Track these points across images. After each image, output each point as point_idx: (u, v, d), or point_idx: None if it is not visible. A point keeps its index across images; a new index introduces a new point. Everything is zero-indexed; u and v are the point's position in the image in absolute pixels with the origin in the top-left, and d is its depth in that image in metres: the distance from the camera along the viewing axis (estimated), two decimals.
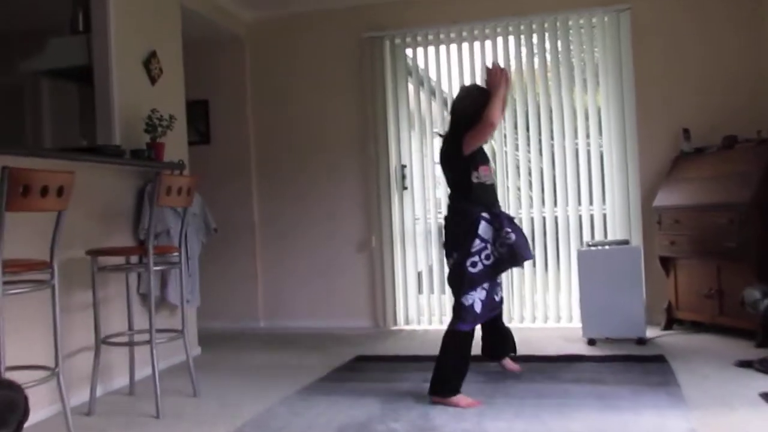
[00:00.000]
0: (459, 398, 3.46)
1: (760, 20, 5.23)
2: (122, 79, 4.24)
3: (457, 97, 3.79)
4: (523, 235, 3.66)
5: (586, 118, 5.62)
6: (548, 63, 5.68)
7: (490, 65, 3.71)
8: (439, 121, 5.91)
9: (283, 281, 6.20)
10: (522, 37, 5.71)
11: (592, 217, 5.59)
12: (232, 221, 6.11)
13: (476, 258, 3.53)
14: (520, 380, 3.90)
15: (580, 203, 5.61)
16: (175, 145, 4.64)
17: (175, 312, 4.51)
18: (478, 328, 3.73)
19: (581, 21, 5.62)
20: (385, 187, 5.94)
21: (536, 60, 5.77)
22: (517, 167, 5.79)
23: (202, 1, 5.41)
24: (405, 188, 5.96)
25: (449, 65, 5.86)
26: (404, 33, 5.90)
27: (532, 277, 5.76)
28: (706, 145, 5.11)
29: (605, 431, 3.00)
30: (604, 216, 5.57)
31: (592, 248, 4.86)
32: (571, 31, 5.63)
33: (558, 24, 5.62)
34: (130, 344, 3.80)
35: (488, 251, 3.54)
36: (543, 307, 5.70)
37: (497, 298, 3.75)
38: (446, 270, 3.78)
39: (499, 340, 4.08)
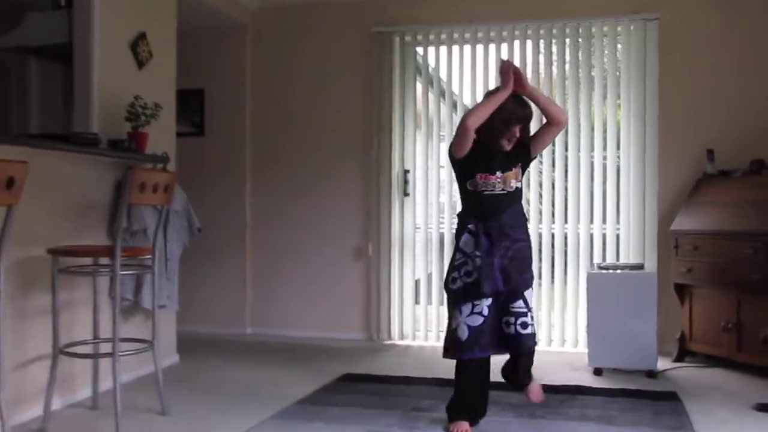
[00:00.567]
0: (454, 425, 3.28)
1: None
2: (105, 61, 3.91)
3: None
4: (493, 265, 3.19)
5: (604, 131, 5.33)
6: (567, 71, 5.38)
7: (504, 58, 3.39)
8: (447, 125, 5.61)
9: (274, 286, 5.90)
10: (541, 42, 5.39)
11: (604, 236, 5.31)
12: (223, 219, 5.84)
13: (456, 273, 3.25)
14: (521, 414, 3.58)
15: (592, 221, 5.32)
16: (162, 137, 4.33)
17: (150, 318, 4.18)
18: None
19: (605, 28, 5.33)
20: (385, 193, 5.64)
21: (555, 67, 5.46)
22: (528, 179, 5.48)
23: None
24: (407, 194, 5.66)
25: (461, 67, 5.57)
26: (416, 30, 5.60)
27: (537, 295, 5.45)
28: (731, 168, 4.81)
29: None
30: (618, 236, 5.28)
31: (603, 271, 4.57)
32: (593, 39, 5.33)
33: (580, 30, 5.31)
34: (93, 356, 3.47)
35: (469, 267, 3.21)
36: (548, 327, 5.40)
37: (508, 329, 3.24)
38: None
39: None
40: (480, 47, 5.51)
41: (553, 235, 5.41)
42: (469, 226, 3.26)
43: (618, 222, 5.28)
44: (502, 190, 3.24)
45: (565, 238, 5.38)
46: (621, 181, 5.27)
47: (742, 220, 4.43)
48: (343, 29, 5.77)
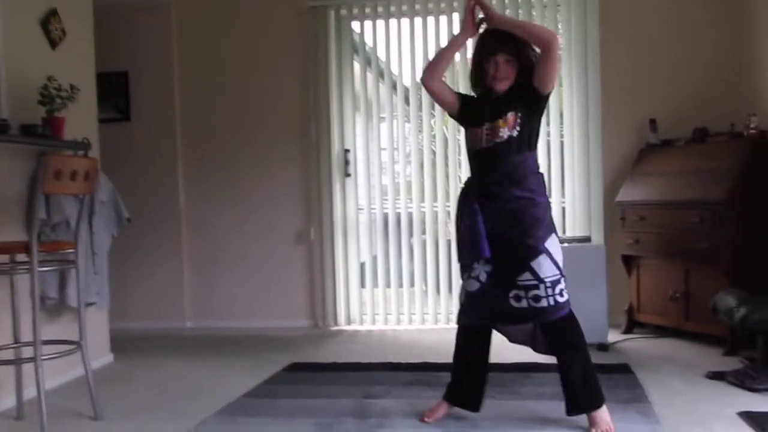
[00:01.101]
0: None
1: (737, 7, 4.92)
2: (12, 39, 3.57)
3: None
4: (474, 230, 2.91)
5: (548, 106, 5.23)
6: None
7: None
8: (387, 103, 5.44)
9: (213, 276, 5.66)
10: (481, 14, 5.23)
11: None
12: (155, 208, 5.58)
13: (457, 237, 3.02)
14: None
15: None
16: (82, 122, 4.03)
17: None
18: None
19: (545, 0, 5.22)
20: (326, 174, 5.46)
21: None
22: None
23: None
24: (348, 175, 5.49)
25: (400, 42, 5.38)
26: (351, 3, 5.39)
27: None
28: (674, 137, 4.79)
29: None
30: (564, 210, 5.24)
31: None
32: (534, 11, 5.22)
33: (519, 1, 5.19)
34: (14, 361, 3.18)
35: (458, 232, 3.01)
36: None
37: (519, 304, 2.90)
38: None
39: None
40: (418, 20, 5.36)
41: None
42: (464, 187, 3.03)
43: (563, 195, 5.23)
44: (490, 142, 2.90)
45: None
46: (565, 155, 5.22)
47: (688, 189, 4.41)
48: (276, 4, 5.53)
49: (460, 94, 3.12)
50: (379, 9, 5.39)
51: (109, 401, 3.45)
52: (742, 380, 3.48)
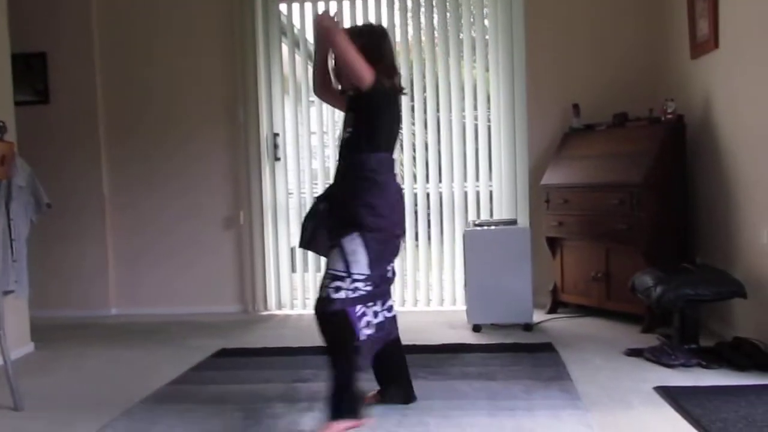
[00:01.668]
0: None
1: None
2: None
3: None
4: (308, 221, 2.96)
5: (475, 91, 5.30)
6: (435, 29, 5.30)
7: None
8: None
9: (139, 262, 5.54)
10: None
11: (478, 194, 5.34)
12: (77, 193, 5.44)
13: None
14: None
15: (466, 180, 5.32)
16: None
17: None
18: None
19: None
20: (255, 158, 5.40)
21: (423, 23, 5.34)
22: (400, 141, 5.40)
23: None
24: (277, 159, 5.44)
25: None
26: None
27: (414, 256, 5.43)
28: (596, 122, 4.91)
29: None
30: (491, 193, 5.32)
31: (478, 228, 4.57)
32: None
33: None
34: None
35: None
36: (426, 288, 5.38)
37: None
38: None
39: None
40: (347, 3, 5.34)
41: (428, 195, 5.39)
42: None
43: (491, 179, 5.31)
44: (340, 141, 2.99)
45: (441, 197, 5.36)
46: (492, 140, 5.29)
47: (608, 172, 4.54)
48: None
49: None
50: None
51: (30, 392, 3.35)
52: (658, 357, 3.62)
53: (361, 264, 2.83)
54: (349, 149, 2.93)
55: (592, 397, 3.13)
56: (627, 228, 4.34)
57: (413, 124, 5.32)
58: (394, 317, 3.09)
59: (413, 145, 5.37)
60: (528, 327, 4.46)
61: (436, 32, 5.31)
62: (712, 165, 4.22)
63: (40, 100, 5.38)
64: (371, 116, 2.90)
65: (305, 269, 5.54)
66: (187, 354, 4.12)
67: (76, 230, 5.47)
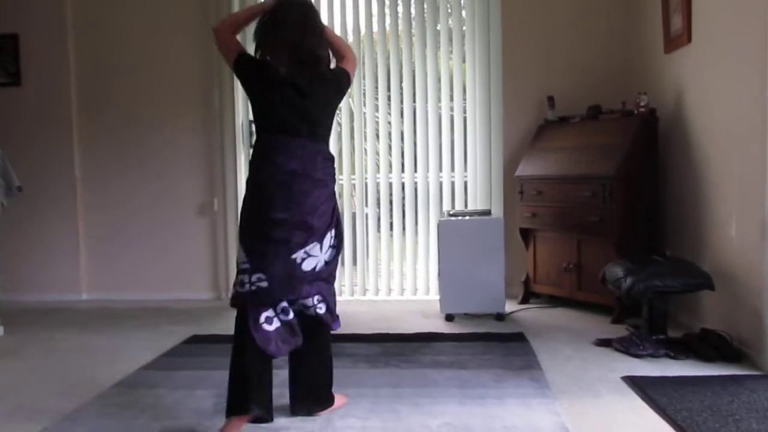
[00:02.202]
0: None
1: None
2: None
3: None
4: None
5: (451, 81, 5.31)
6: (413, 19, 5.28)
7: None
8: None
9: (110, 247, 5.49)
10: None
11: (453, 184, 5.35)
12: (49, 176, 5.38)
13: None
14: (375, 365, 3.53)
15: (441, 170, 5.33)
16: None
17: None
18: None
19: None
20: (230, 144, 5.37)
21: (400, 13, 5.34)
22: (377, 130, 5.44)
23: None
24: (252, 146, 5.39)
25: None
26: None
27: (389, 245, 5.44)
28: (570, 114, 4.94)
29: (468, 428, 2.69)
30: (466, 184, 5.34)
31: (453, 218, 4.60)
32: None
33: None
34: None
35: None
36: (399, 278, 5.40)
37: None
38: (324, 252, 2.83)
39: None
40: None
41: (403, 185, 5.38)
42: None
43: (466, 170, 5.33)
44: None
45: (416, 187, 5.37)
46: (468, 130, 5.30)
47: (581, 164, 4.58)
48: None
49: None
50: None
51: None
52: (627, 347, 3.67)
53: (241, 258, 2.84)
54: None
55: (561, 385, 3.17)
56: (599, 220, 4.39)
57: (389, 113, 5.31)
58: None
59: (389, 134, 5.36)
60: (500, 317, 4.50)
61: (413, 22, 5.30)
62: (683, 158, 4.27)
63: (11, 82, 5.32)
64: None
65: None
66: (158, 339, 4.10)
67: (47, 213, 5.41)
